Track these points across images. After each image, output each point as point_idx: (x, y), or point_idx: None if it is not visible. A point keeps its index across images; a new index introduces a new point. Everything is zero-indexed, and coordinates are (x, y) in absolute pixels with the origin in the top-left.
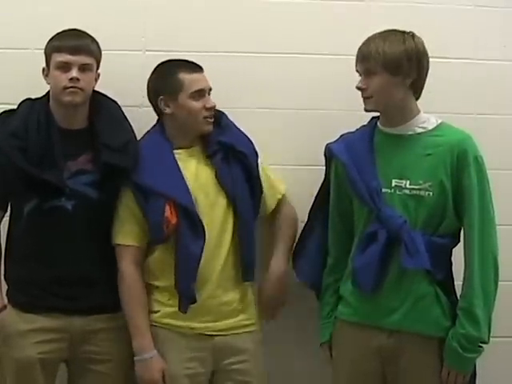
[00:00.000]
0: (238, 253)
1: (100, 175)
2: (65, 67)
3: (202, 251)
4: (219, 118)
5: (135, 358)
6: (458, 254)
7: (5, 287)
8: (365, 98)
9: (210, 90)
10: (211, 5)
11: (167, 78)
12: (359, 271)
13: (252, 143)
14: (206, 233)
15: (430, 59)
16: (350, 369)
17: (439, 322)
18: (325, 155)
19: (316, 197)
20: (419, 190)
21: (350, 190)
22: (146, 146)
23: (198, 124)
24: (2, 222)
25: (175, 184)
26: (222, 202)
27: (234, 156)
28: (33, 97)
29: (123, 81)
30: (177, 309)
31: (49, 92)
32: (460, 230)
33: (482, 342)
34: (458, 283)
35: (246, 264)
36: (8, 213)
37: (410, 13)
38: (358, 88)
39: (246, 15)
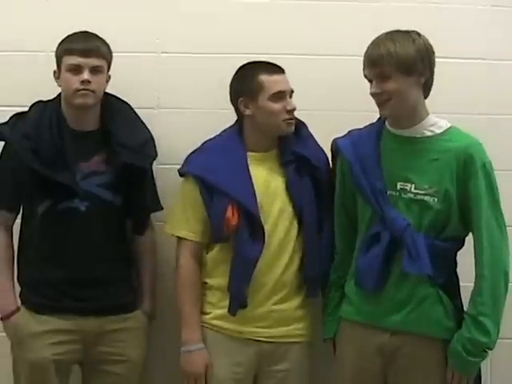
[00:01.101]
0: (300, 264)
1: (114, 176)
2: (76, 69)
3: (259, 255)
4: (299, 128)
5: (181, 349)
6: (463, 256)
7: (18, 289)
8: (380, 103)
9: (292, 92)
10: (225, 7)
11: (247, 80)
12: (362, 272)
13: (327, 158)
14: (268, 239)
15: (445, 59)
16: (353, 368)
17: (441, 324)
18: (331, 150)
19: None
20: (424, 194)
21: (353, 187)
22: (219, 145)
23: (277, 126)
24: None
25: (242, 186)
26: (288, 211)
27: (306, 169)
28: (46, 99)
29: (139, 82)
30: (227, 311)
31: (60, 94)
32: (465, 234)
33: (487, 348)
34: (466, 284)
35: (310, 281)
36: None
37: (424, 13)
38: (373, 94)
39: (258, 17)
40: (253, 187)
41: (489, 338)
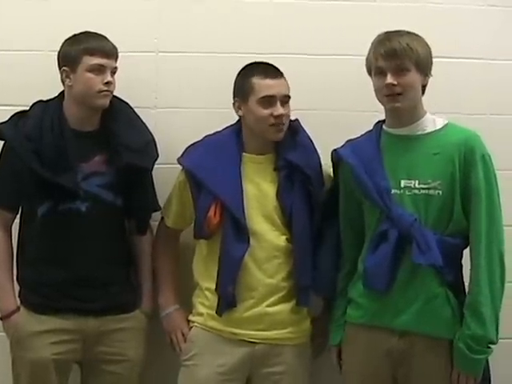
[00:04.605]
0: (293, 270)
1: (115, 176)
2: (100, 70)
3: (243, 255)
4: (295, 130)
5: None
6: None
7: (17, 289)
8: (391, 95)
9: (287, 97)
10: (223, 6)
11: (242, 81)
12: (371, 271)
13: (321, 165)
14: (256, 241)
15: (443, 59)
16: (361, 371)
17: (449, 324)
18: (332, 160)
19: (324, 205)
20: (428, 189)
21: (358, 192)
22: (217, 142)
23: (263, 131)
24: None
25: (229, 186)
26: (278, 217)
27: (298, 176)
28: (45, 98)
29: (136, 82)
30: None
31: (62, 93)
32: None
33: (490, 343)
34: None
35: (300, 290)
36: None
37: (422, 13)
38: (387, 85)
39: (257, 16)
40: (241, 189)
41: (485, 328)
